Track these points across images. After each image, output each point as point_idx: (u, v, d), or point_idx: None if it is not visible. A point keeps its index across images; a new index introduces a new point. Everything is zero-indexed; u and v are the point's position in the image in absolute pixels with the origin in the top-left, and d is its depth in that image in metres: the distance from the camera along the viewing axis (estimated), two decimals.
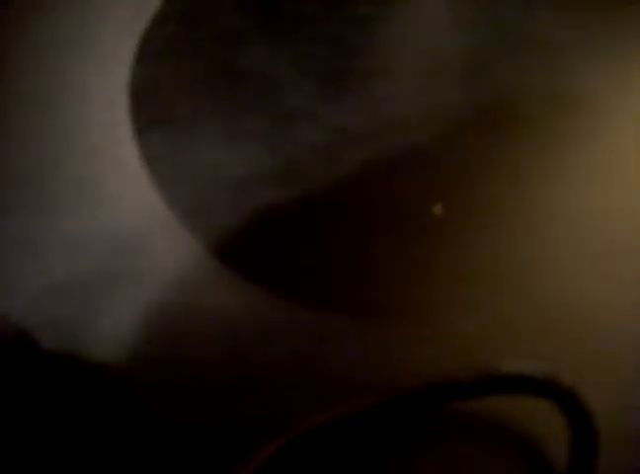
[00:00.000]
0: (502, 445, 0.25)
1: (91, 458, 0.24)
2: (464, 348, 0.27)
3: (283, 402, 0.26)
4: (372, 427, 0.26)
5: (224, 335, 0.27)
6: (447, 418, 0.26)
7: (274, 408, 0.26)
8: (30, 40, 0.33)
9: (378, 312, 0.28)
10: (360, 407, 0.25)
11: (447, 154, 0.32)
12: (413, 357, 0.27)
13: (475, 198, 0.31)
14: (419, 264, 0.29)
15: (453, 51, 0.35)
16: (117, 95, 0.32)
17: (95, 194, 0.30)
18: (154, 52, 0.33)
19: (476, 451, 0.25)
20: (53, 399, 0.25)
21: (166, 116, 0.32)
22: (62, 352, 0.26)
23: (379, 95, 0.33)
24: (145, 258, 0.28)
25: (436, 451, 0.25)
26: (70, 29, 0.34)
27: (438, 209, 0.30)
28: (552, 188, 0.31)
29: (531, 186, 0.31)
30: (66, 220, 0.29)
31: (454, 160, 0.32)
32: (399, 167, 0.31)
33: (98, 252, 0.28)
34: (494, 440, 0.26)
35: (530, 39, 0.36)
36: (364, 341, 0.27)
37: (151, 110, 0.32)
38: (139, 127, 0.31)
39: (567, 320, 0.28)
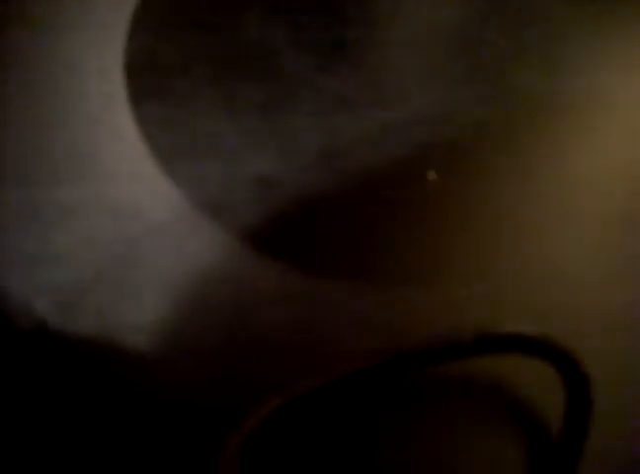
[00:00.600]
0: (495, 406, 0.26)
1: (90, 430, 0.25)
2: (462, 312, 0.27)
3: (285, 367, 0.26)
4: (368, 386, 0.26)
5: (224, 300, 0.27)
6: (442, 378, 0.26)
7: (275, 374, 0.26)
8: (24, 13, 0.33)
9: (375, 277, 0.28)
10: (357, 367, 0.25)
11: (444, 122, 0.32)
12: (410, 321, 0.27)
13: (471, 165, 0.31)
14: (415, 229, 0.29)
15: (450, 21, 0.35)
16: (113, 66, 0.32)
17: (93, 163, 0.30)
18: (150, 23, 0.33)
19: (470, 412, 0.26)
20: (53, 369, 0.26)
21: (163, 86, 0.32)
22: (61, 326, 0.26)
23: (376, 64, 0.33)
24: (143, 226, 0.29)
25: (430, 411, 0.25)
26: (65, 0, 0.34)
27: (431, 175, 0.30)
28: (550, 154, 0.31)
29: (528, 152, 0.31)
30: (64, 190, 0.29)
31: (451, 128, 0.32)
32: (396, 134, 0.32)
33: (96, 220, 0.29)
34: (488, 401, 0.26)
35: (526, 9, 0.36)
36: (363, 305, 0.27)
37: (148, 80, 0.32)
38: (136, 97, 0.31)
39: (567, 287, 0.28)
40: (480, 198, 0.30)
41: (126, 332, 0.26)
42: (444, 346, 0.25)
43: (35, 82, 0.32)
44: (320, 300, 0.27)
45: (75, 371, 0.25)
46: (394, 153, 0.31)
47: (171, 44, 0.33)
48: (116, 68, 0.32)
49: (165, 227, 0.29)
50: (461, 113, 0.32)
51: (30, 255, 0.28)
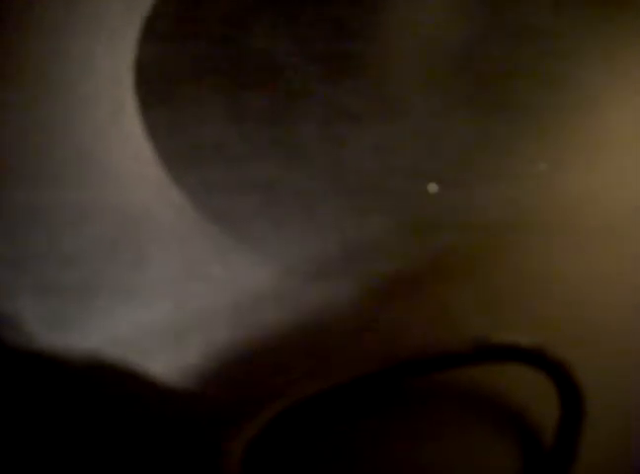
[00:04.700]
0: (490, 416, 0.26)
1: (88, 438, 0.25)
2: (458, 320, 0.28)
3: (284, 372, 0.26)
4: (365, 393, 0.26)
5: (227, 303, 0.27)
6: (437, 387, 0.26)
7: (275, 378, 0.26)
8: (36, 18, 0.34)
9: (374, 283, 0.28)
10: (355, 374, 0.25)
11: (445, 134, 0.32)
12: (406, 329, 0.27)
13: (472, 177, 0.31)
14: (414, 238, 0.30)
15: (452, 36, 0.36)
16: (123, 71, 0.32)
17: (100, 167, 0.30)
18: (159, 31, 0.34)
19: (465, 421, 0.26)
20: (55, 372, 0.26)
21: (170, 93, 0.32)
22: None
23: (379, 76, 0.34)
24: (149, 230, 0.29)
25: (426, 419, 0.26)
26: (76, 6, 0.34)
27: (432, 188, 0.31)
28: (551, 167, 0.32)
29: (526, 166, 0.32)
30: (72, 192, 0.29)
31: (452, 140, 0.32)
32: (397, 145, 0.32)
33: (103, 224, 0.29)
34: (483, 410, 0.26)
35: (526, 24, 0.36)
36: (362, 311, 0.28)
37: (156, 87, 0.32)
38: (146, 103, 0.32)
39: (564, 295, 0.28)
40: (480, 209, 0.30)
41: (133, 334, 0.26)
42: (443, 354, 0.25)
43: (44, 86, 0.32)
44: (319, 305, 0.28)
45: (78, 373, 0.26)
46: (395, 164, 0.31)
47: (180, 53, 0.33)
48: (127, 74, 0.32)
49: (171, 231, 0.29)
50: (461, 126, 0.33)
51: (37, 257, 0.28)
